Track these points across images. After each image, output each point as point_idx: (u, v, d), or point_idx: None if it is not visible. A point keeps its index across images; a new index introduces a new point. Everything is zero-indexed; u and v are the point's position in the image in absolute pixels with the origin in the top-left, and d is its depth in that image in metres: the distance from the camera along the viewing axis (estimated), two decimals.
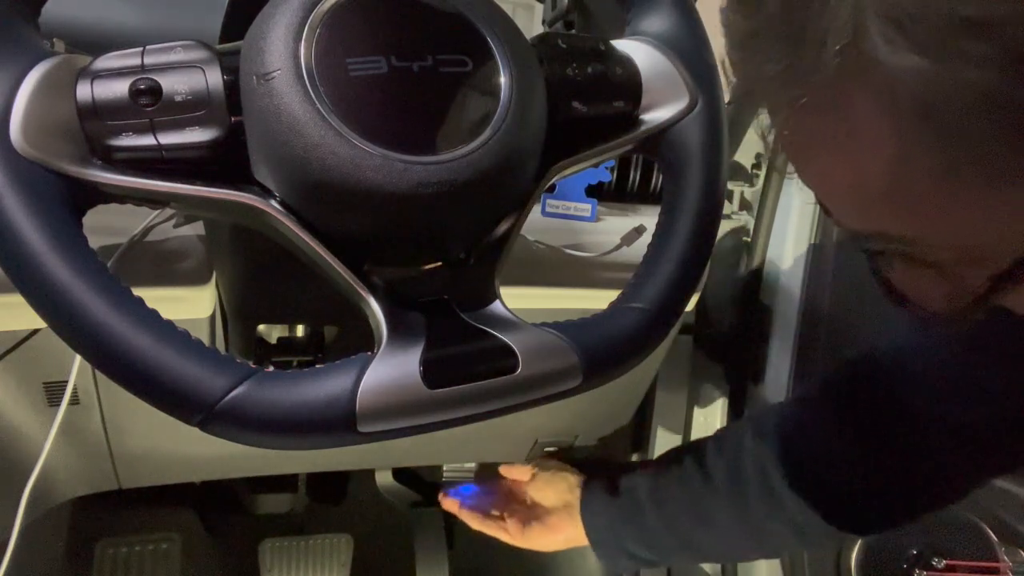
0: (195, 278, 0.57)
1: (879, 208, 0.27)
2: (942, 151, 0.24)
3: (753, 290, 1.01)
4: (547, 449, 0.96)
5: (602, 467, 0.78)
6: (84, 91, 0.34)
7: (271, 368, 0.35)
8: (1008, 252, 0.26)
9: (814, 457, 0.64)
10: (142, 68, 0.35)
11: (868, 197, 0.27)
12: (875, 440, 0.63)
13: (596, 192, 0.72)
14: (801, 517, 0.65)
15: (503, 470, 0.86)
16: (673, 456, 0.73)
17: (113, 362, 0.33)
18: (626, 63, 0.45)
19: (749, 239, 1.01)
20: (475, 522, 0.80)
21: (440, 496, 0.84)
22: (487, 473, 0.90)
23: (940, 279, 0.29)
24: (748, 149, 1.01)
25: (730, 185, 1.00)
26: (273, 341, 0.63)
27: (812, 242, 0.95)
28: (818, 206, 0.92)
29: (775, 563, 0.97)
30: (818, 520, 0.65)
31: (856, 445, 0.63)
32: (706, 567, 1.06)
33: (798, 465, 0.65)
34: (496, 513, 0.80)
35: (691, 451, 0.71)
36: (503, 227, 0.41)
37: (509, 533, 0.78)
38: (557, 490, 0.78)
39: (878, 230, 0.28)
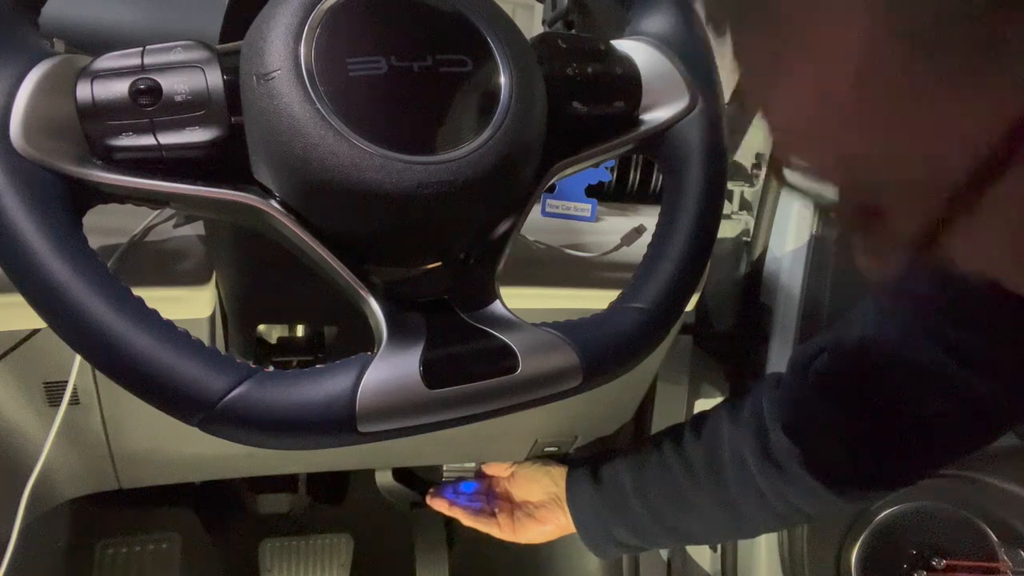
0: (195, 278, 0.57)
1: (844, 128, 0.28)
2: (906, 57, 0.25)
3: (753, 290, 1.01)
4: (547, 449, 0.96)
5: (584, 456, 0.79)
6: (84, 91, 0.34)
7: (271, 368, 0.35)
8: (960, 166, 0.27)
9: (787, 441, 0.65)
10: (142, 68, 0.35)
11: (834, 117, 0.28)
12: (846, 423, 0.64)
13: (596, 192, 0.72)
14: (777, 500, 0.66)
15: (484, 468, 0.87)
16: (653, 442, 0.74)
17: (113, 362, 0.33)
18: (626, 63, 0.45)
19: (749, 239, 1.01)
20: (467, 518, 0.82)
21: (428, 496, 0.85)
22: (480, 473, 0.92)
23: (898, 246, 0.31)
24: (748, 149, 1.01)
25: (730, 185, 1.00)
26: (273, 341, 0.63)
27: (812, 242, 0.95)
28: (815, 205, 0.93)
29: (775, 562, 0.97)
30: (793, 501, 0.66)
31: (827, 428, 0.65)
32: (706, 566, 1.06)
33: (772, 449, 0.66)
34: (486, 509, 0.82)
35: (670, 437, 0.73)
36: (503, 227, 0.41)
37: (500, 528, 0.80)
38: (541, 485, 0.80)
39: (842, 154, 0.29)
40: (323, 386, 0.35)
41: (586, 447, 1.00)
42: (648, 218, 0.70)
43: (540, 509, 0.79)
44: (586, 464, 0.77)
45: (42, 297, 0.32)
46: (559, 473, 0.79)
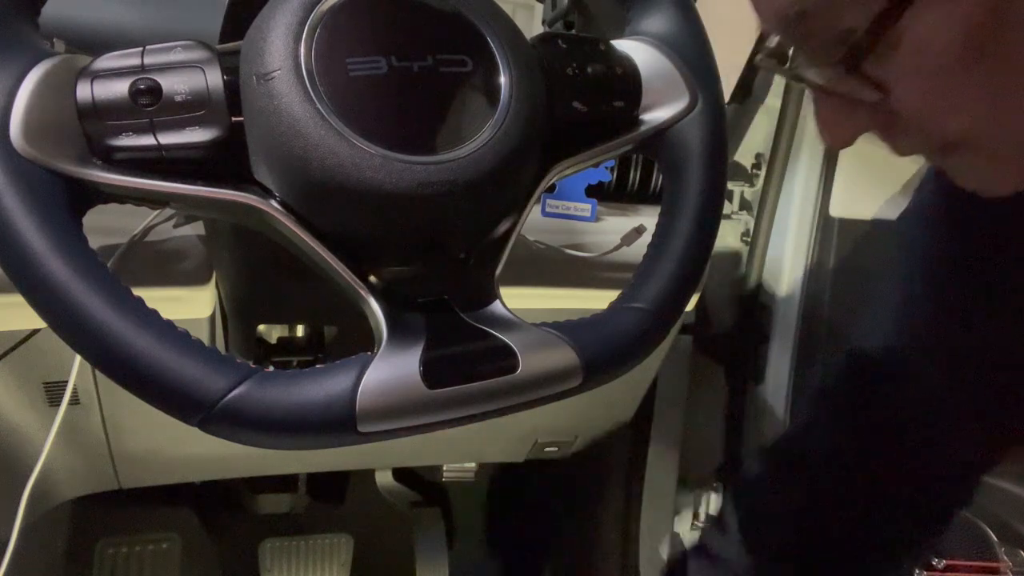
0: (195, 278, 0.58)
1: None
2: None
3: (753, 290, 1.01)
4: (547, 449, 0.96)
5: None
6: (84, 91, 0.34)
7: (271, 368, 0.35)
8: None
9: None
10: (142, 68, 0.35)
11: None
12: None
13: (596, 192, 0.73)
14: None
15: None
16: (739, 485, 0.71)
17: (113, 362, 0.33)
18: (626, 63, 0.45)
19: (749, 239, 1.01)
20: None
21: None
22: None
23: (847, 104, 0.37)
24: (748, 149, 1.01)
25: (730, 185, 1.00)
26: (273, 341, 0.63)
27: (812, 242, 0.95)
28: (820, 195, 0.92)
29: None
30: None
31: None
32: None
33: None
34: None
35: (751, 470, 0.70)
36: (503, 227, 0.41)
37: None
38: None
39: None
40: (323, 386, 0.35)
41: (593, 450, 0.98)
42: (648, 218, 0.70)
43: None
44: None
45: (42, 297, 0.32)
46: None
